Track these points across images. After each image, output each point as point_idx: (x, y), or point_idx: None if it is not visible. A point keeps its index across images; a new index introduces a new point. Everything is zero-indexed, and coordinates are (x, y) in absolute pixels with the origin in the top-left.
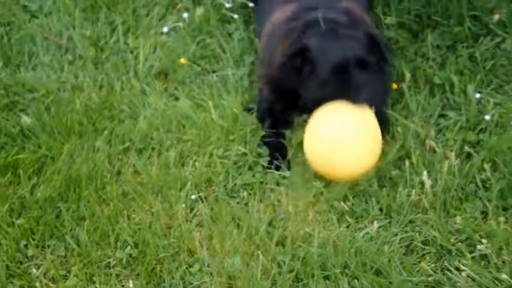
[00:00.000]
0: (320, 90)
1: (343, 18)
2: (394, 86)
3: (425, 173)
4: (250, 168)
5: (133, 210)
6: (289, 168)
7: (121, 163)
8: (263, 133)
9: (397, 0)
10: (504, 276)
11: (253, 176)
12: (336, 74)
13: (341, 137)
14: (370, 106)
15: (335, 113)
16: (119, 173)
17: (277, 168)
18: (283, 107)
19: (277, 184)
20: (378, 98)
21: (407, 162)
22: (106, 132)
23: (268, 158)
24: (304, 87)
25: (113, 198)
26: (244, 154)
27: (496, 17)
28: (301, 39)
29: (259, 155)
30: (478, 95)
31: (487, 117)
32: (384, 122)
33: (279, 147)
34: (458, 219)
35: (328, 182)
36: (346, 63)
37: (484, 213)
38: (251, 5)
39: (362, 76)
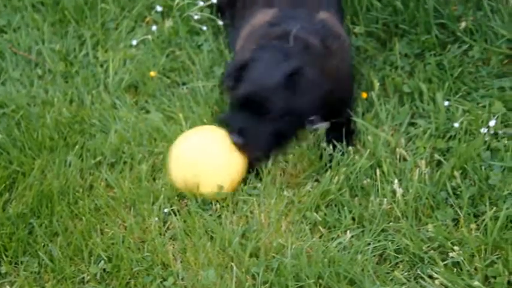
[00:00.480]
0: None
1: (315, 41)
2: (364, 95)
3: (396, 181)
4: None
5: (106, 225)
6: (260, 179)
7: (93, 177)
8: None
9: (365, 9)
10: (476, 283)
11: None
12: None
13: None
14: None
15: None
16: (91, 187)
17: None
18: None
19: (249, 195)
20: (253, 147)
21: (378, 171)
22: (77, 146)
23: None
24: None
25: (85, 213)
26: None
27: (463, 24)
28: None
29: None
30: (446, 103)
31: (456, 124)
32: (351, 134)
33: None
34: (430, 227)
35: (299, 192)
36: (246, 98)
37: (456, 221)
38: (220, 22)
39: (249, 118)
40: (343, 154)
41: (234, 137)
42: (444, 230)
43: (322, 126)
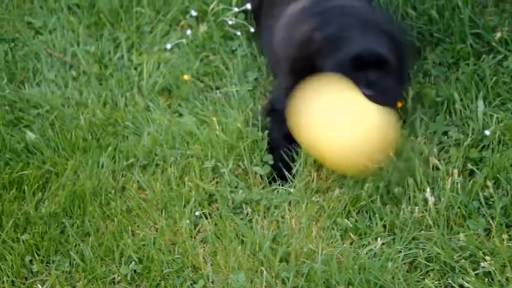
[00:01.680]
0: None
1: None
2: (399, 104)
3: (428, 190)
4: (254, 184)
5: (138, 226)
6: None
7: (125, 179)
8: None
9: (400, 17)
10: None
11: (258, 191)
12: (354, 67)
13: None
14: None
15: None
16: (123, 189)
17: (282, 178)
18: None
19: (282, 200)
20: (389, 100)
21: (410, 180)
22: (110, 148)
23: (273, 170)
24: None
25: (117, 214)
26: (247, 170)
27: (498, 34)
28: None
29: (264, 168)
30: (481, 112)
31: (487, 132)
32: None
33: (286, 156)
34: (461, 236)
35: (329, 198)
36: (366, 58)
37: (488, 230)
38: (252, 30)
39: (378, 75)
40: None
41: (365, 90)
42: (476, 240)
43: None
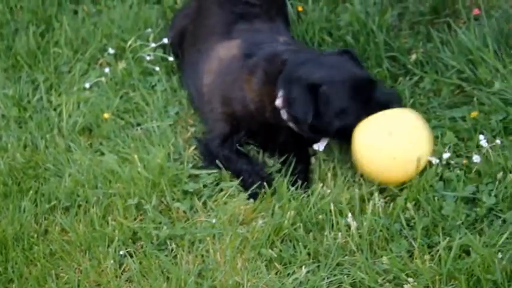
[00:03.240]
0: (344, 120)
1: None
2: None
3: (350, 215)
4: (178, 219)
5: (62, 269)
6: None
7: (47, 222)
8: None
9: (317, 44)
10: None
11: (181, 226)
12: (356, 98)
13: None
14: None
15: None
16: (45, 232)
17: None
18: (241, 139)
19: (206, 234)
20: (398, 98)
21: (332, 205)
22: (31, 191)
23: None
24: (320, 121)
25: (40, 258)
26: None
27: (414, 56)
28: (296, 74)
29: (185, 202)
30: None
31: None
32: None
33: (252, 169)
34: (385, 259)
35: (253, 229)
36: (363, 85)
37: (410, 252)
38: (171, 58)
39: (379, 91)
40: (296, 188)
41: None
42: (399, 262)
43: (322, 147)
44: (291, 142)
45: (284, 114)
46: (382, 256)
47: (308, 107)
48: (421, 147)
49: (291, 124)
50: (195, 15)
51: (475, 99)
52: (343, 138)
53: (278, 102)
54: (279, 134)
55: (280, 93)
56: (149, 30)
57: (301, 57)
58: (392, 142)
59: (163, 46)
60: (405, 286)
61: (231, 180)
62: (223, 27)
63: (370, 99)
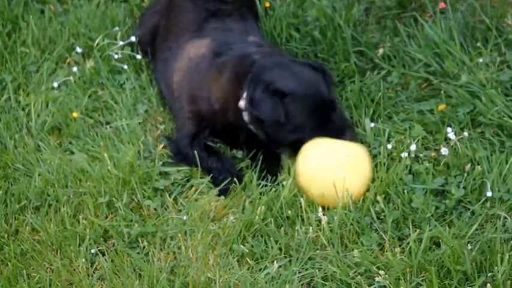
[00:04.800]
0: (298, 134)
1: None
2: None
3: (320, 209)
4: (149, 216)
5: (33, 269)
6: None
7: (18, 222)
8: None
9: (284, 40)
10: None
11: (153, 224)
12: (315, 117)
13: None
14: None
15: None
16: (16, 232)
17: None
18: (206, 138)
19: (177, 231)
20: (352, 129)
21: (302, 200)
22: (1, 192)
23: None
24: (277, 130)
25: (11, 259)
26: (141, 203)
27: (381, 51)
28: (263, 77)
29: (156, 200)
30: (369, 129)
31: (378, 149)
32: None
33: (222, 166)
34: (356, 252)
35: (224, 225)
36: (325, 106)
37: (381, 245)
38: (139, 56)
39: (337, 115)
40: (266, 185)
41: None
42: (370, 255)
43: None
44: (252, 143)
45: (246, 116)
46: (353, 250)
47: (277, 108)
48: (358, 182)
49: (251, 127)
50: (166, 11)
51: (442, 92)
52: (294, 149)
53: (242, 103)
54: (240, 135)
55: (245, 95)
56: (117, 28)
57: (271, 61)
58: (332, 171)
59: (131, 44)
60: (376, 279)
61: (201, 177)
62: (195, 25)
63: (328, 121)
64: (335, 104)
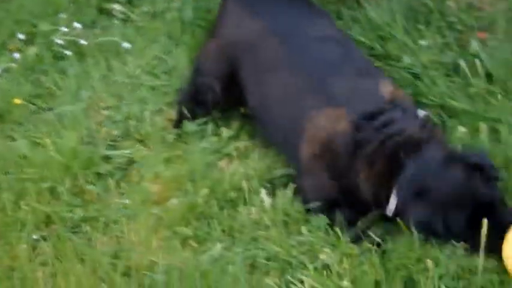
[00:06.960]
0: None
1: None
2: None
3: (263, 190)
4: (92, 201)
5: None
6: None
7: None
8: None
9: None
10: (346, 283)
11: (95, 208)
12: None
13: None
14: None
15: None
16: None
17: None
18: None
19: (120, 215)
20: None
21: (244, 183)
22: None
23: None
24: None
25: None
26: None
27: None
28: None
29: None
30: None
31: None
32: None
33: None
34: (303, 229)
35: (167, 208)
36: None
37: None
38: (83, 42)
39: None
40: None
41: None
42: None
43: None
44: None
45: (390, 212)
46: (299, 232)
47: (433, 220)
48: None
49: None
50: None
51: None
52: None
53: (391, 207)
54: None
55: (394, 200)
56: (61, 15)
57: (427, 160)
58: None
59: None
60: (321, 256)
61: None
62: (312, 82)
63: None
64: (495, 206)
